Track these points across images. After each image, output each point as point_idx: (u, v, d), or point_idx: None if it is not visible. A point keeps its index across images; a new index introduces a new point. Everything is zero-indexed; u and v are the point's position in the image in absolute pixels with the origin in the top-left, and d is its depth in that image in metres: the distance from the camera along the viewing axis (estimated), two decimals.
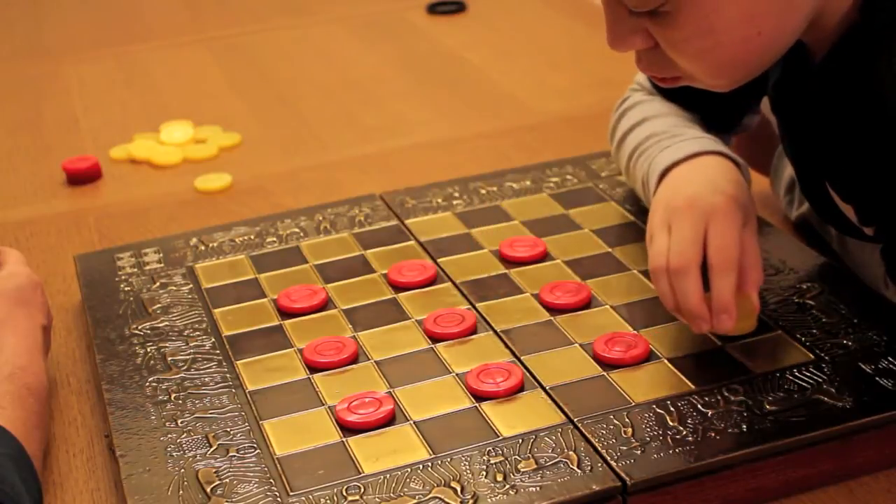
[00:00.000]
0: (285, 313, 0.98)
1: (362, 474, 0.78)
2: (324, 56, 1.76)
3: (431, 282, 1.01)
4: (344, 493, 0.76)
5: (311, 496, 0.76)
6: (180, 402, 0.87)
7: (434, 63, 1.70)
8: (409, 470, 0.78)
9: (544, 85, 1.57)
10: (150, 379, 0.90)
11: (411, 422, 0.83)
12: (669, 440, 0.78)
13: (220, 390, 0.88)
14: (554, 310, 0.95)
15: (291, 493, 0.77)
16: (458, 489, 0.76)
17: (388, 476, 0.77)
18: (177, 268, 1.06)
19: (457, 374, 0.88)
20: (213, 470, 0.79)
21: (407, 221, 1.12)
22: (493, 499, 0.75)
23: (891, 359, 0.85)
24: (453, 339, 0.92)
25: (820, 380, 0.83)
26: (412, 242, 1.08)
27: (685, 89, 0.87)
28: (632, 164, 1.02)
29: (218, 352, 0.93)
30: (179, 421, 0.85)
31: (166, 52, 1.82)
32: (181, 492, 0.77)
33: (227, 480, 0.78)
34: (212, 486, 0.78)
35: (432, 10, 1.91)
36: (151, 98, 1.63)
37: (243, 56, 1.78)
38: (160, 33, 1.94)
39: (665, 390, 0.83)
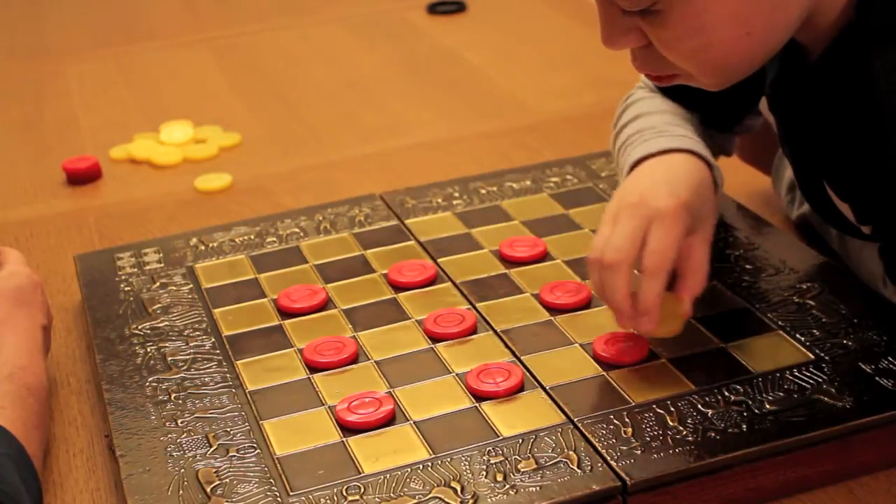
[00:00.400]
0: (285, 313, 0.98)
1: (362, 474, 0.78)
2: (324, 56, 1.76)
3: (431, 282, 1.01)
4: (344, 493, 0.76)
5: (311, 496, 0.76)
6: (180, 402, 0.87)
7: (434, 63, 1.70)
8: (409, 470, 0.78)
9: (544, 85, 1.57)
10: (150, 379, 0.90)
11: (411, 422, 0.83)
12: (669, 440, 0.78)
13: (220, 390, 0.88)
14: (554, 310, 0.95)
15: (291, 493, 0.77)
16: (458, 489, 0.76)
17: (388, 476, 0.77)
18: (177, 268, 1.06)
19: (457, 374, 0.88)
20: (213, 470, 0.79)
21: (407, 221, 1.12)
22: (493, 499, 0.75)
23: (891, 359, 0.85)
24: (453, 339, 0.92)
25: (820, 380, 0.83)
26: (412, 242, 1.08)
27: (684, 89, 0.88)
28: (619, 157, 1.02)
29: (218, 352, 0.93)
30: (179, 421, 0.85)
31: (166, 52, 1.82)
32: (181, 492, 0.77)
33: (227, 480, 0.78)
34: (212, 486, 0.78)
35: (432, 10, 1.91)
36: (151, 98, 1.63)
37: (243, 56, 1.78)
38: (160, 33, 1.94)
39: (665, 390, 0.83)
